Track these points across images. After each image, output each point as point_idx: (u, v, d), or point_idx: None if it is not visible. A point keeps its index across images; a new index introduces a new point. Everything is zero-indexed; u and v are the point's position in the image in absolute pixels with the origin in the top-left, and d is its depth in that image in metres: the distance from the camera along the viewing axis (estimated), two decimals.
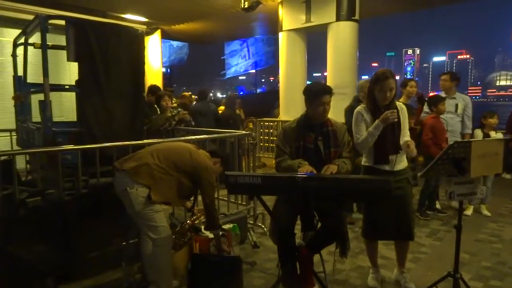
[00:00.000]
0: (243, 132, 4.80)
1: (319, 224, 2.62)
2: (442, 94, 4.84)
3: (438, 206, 4.86)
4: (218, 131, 4.35)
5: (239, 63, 20.10)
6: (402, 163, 2.76)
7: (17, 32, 4.36)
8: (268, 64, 20.12)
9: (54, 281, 2.66)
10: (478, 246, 3.75)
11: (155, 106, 5.15)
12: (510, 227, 4.31)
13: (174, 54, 17.06)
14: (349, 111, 3.95)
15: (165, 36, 11.52)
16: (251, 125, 8.81)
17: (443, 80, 4.91)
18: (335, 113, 6.32)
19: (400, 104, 2.82)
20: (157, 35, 10.67)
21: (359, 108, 2.81)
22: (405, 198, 2.74)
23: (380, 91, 2.63)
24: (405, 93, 4.54)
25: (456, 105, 4.75)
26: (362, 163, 2.88)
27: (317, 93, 2.59)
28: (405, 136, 2.73)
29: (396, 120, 2.58)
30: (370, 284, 2.96)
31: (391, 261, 3.32)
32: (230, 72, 21.06)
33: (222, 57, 20.83)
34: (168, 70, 23.87)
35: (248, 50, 19.51)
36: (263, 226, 4.12)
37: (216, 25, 10.50)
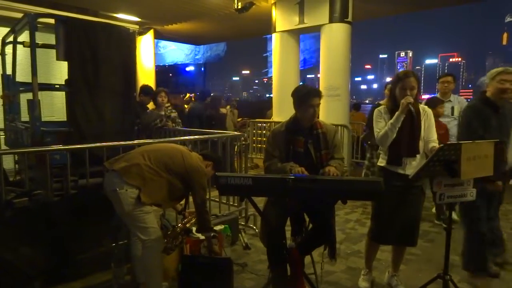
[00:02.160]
0: (235, 133, 4.78)
1: (309, 226, 2.62)
2: (439, 97, 4.66)
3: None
4: (210, 132, 4.33)
5: None
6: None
7: (6, 30, 4.29)
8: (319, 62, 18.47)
9: (42, 284, 2.62)
10: None
11: (153, 102, 5.11)
12: None
13: (209, 50, 16.03)
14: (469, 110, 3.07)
15: (158, 36, 11.46)
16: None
17: (448, 82, 4.64)
18: (328, 114, 6.40)
19: (424, 107, 2.75)
20: (149, 35, 10.60)
21: (379, 108, 2.79)
22: (414, 205, 2.71)
23: (401, 89, 2.60)
24: None
25: (452, 108, 4.59)
26: (378, 163, 2.84)
27: (306, 96, 2.55)
28: (432, 142, 2.64)
29: (412, 101, 2.52)
30: (361, 286, 2.96)
31: (382, 263, 3.33)
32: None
33: (265, 54, 19.39)
34: (202, 69, 22.60)
35: None
36: (254, 227, 4.11)
37: (209, 25, 10.46)
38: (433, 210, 4.76)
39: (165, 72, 22.85)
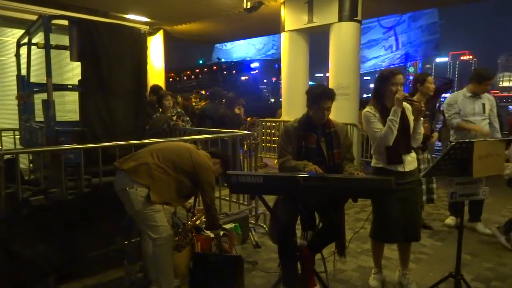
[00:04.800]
0: (244, 132, 4.80)
1: (320, 224, 2.63)
2: (467, 94, 4.18)
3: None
4: (219, 131, 4.35)
5: (381, 55, 15.69)
6: (413, 163, 2.77)
7: (20, 32, 4.37)
8: (426, 56, 15.58)
9: (56, 280, 2.68)
10: (480, 247, 3.74)
11: (157, 105, 5.19)
12: None
13: None
14: None
15: (168, 36, 11.55)
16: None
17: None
18: (338, 113, 6.37)
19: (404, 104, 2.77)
20: (159, 35, 10.69)
21: (366, 109, 2.78)
22: (414, 199, 2.74)
23: (394, 85, 2.62)
24: (422, 90, 3.86)
25: (483, 105, 4.17)
26: (372, 164, 2.86)
27: (317, 97, 2.56)
28: None
29: (407, 95, 2.61)
30: (372, 285, 2.96)
31: (393, 262, 3.32)
32: (366, 67, 16.29)
33: None
34: (276, 65, 20.63)
35: (397, 40, 14.71)
36: (264, 226, 4.12)
37: (218, 25, 10.52)
38: (446, 209, 4.72)
39: (229, 69, 21.05)
